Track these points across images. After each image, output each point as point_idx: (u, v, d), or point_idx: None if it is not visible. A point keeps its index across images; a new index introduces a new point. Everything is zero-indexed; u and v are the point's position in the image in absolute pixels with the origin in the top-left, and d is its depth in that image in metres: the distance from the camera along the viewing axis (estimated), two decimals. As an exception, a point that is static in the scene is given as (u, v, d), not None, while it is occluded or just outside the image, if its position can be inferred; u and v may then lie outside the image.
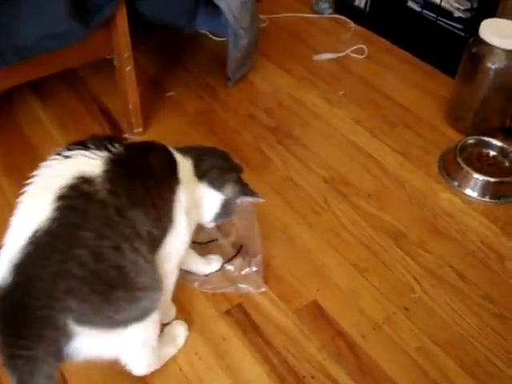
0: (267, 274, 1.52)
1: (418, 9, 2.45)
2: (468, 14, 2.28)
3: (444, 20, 2.35)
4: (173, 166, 1.23)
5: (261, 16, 2.30)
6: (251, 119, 2.05)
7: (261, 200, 1.39)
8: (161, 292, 1.14)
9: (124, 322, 1.08)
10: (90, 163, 1.08)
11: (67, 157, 1.09)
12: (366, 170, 1.86)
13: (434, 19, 2.38)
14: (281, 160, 1.88)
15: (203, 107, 2.09)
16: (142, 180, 1.14)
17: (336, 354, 1.35)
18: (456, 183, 1.81)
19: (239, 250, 1.56)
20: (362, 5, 2.59)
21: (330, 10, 2.64)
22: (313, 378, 1.30)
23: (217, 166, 1.35)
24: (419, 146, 1.97)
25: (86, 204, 1.03)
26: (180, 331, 1.37)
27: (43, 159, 1.11)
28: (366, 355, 1.35)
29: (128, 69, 1.74)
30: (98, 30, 1.62)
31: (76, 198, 1.03)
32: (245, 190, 1.37)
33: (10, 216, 1.04)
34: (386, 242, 1.63)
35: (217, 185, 1.33)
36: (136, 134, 1.93)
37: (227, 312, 1.44)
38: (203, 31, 2.39)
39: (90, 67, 2.16)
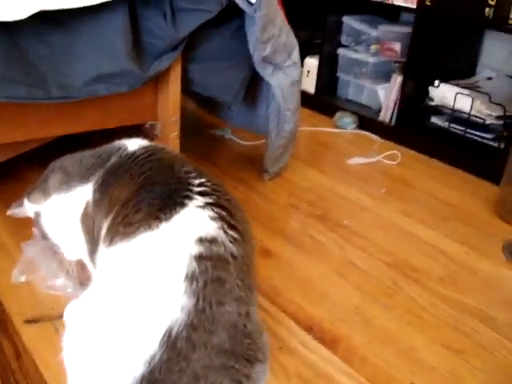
0: (349, 356, 1.27)
1: (443, 124, 2.44)
2: (500, 121, 2.26)
3: (473, 132, 2.33)
4: None
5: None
6: (294, 209, 1.90)
7: None
8: None
9: None
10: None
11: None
12: (429, 257, 1.70)
13: (462, 132, 2.36)
14: (336, 246, 1.70)
15: (240, 196, 1.92)
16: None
17: None
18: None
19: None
20: (387, 119, 2.57)
21: (354, 126, 2.62)
22: None
23: None
24: (478, 238, 1.83)
25: (224, 270, 0.86)
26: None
27: None
28: None
29: (173, 135, 1.61)
30: (146, 92, 1.51)
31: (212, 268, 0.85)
32: None
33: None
34: (476, 324, 1.42)
35: None
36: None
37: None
38: (229, 136, 2.39)
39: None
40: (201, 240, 0.87)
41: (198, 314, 0.80)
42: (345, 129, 2.62)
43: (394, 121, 2.56)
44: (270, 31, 1.63)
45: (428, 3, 2.30)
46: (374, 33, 2.72)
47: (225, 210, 0.96)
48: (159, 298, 0.81)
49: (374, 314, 1.43)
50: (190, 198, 0.95)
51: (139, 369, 0.76)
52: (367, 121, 2.64)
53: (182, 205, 0.93)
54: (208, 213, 0.93)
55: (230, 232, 0.92)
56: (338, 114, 2.65)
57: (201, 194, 0.97)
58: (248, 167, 2.15)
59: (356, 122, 2.63)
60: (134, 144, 1.14)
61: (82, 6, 1.31)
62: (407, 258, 1.67)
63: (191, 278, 0.82)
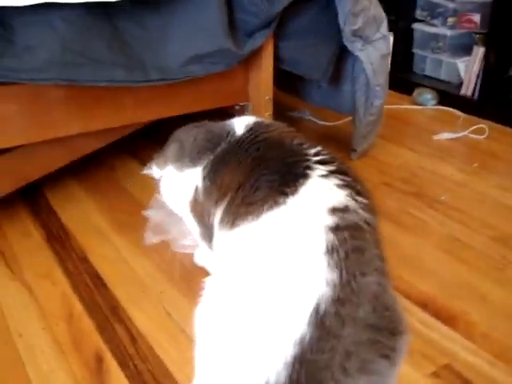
0: (470, 333, 1.22)
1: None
2: None
3: None
4: None
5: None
6: (388, 187, 1.85)
7: None
8: None
9: None
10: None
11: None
12: (538, 231, 1.61)
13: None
14: (437, 222, 1.65)
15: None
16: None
17: None
18: None
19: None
20: (470, 93, 2.48)
21: (434, 102, 2.54)
22: None
23: None
24: None
25: (361, 239, 0.82)
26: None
27: None
28: None
29: (266, 115, 1.58)
30: (237, 72, 1.49)
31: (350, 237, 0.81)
32: None
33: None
34: None
35: None
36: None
37: (434, 374, 1.12)
38: (307, 117, 2.37)
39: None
40: (333, 210, 0.83)
41: (344, 288, 0.76)
42: (425, 105, 2.55)
43: (477, 94, 2.47)
44: (361, 3, 1.58)
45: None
46: (450, 5, 2.63)
47: (349, 176, 0.93)
48: (302, 274, 0.77)
49: (488, 289, 1.37)
50: (311, 168, 0.91)
51: (289, 350, 0.73)
52: (448, 96, 2.56)
53: (305, 176, 0.89)
54: (334, 181, 0.89)
55: (359, 198, 0.88)
56: (418, 91, 2.58)
57: (320, 162, 0.93)
58: (332, 147, 2.08)
59: (436, 97, 2.55)
60: (240, 126, 1.12)
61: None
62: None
63: (331, 250, 0.78)
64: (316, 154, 0.96)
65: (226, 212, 0.97)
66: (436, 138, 2.21)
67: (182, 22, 1.39)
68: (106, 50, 1.31)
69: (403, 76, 2.78)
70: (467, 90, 2.49)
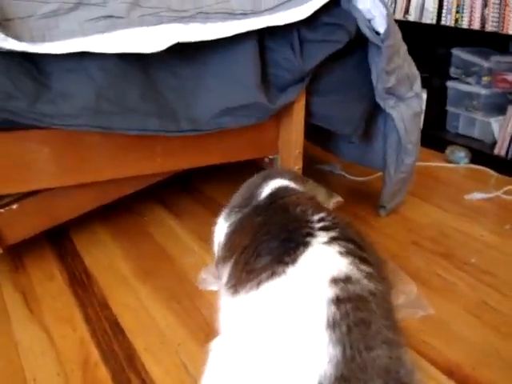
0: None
1: None
2: None
3: None
4: None
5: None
6: (416, 246, 1.81)
7: (341, 199, 1.29)
8: None
9: None
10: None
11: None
12: None
13: None
14: (466, 285, 1.60)
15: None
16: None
17: None
18: None
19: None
20: (503, 153, 2.45)
21: (467, 160, 2.51)
22: None
23: None
24: None
25: (366, 310, 0.79)
26: None
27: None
28: None
29: (296, 168, 1.57)
30: (268, 125, 1.50)
31: (353, 309, 0.78)
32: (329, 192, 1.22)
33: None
34: None
35: None
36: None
37: None
38: (338, 171, 2.37)
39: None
40: (335, 280, 0.80)
41: (348, 364, 0.72)
42: (458, 163, 2.51)
43: (510, 154, 2.43)
44: (395, 61, 1.58)
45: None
46: (485, 64, 2.62)
47: (353, 242, 0.90)
48: (302, 351, 0.74)
49: (518, 359, 1.31)
50: (313, 235, 0.89)
51: None
52: (481, 155, 2.52)
53: (306, 244, 0.88)
54: (335, 248, 0.87)
55: (363, 267, 0.85)
56: (450, 148, 2.55)
57: (323, 229, 0.91)
58: (362, 203, 2.08)
59: (469, 156, 2.52)
60: (268, 189, 1.12)
61: (216, 38, 1.31)
62: (545, 299, 1.55)
63: (333, 325, 0.75)
64: (320, 220, 0.95)
65: (230, 275, 0.96)
66: (467, 197, 2.17)
67: (215, 73, 1.41)
68: (139, 99, 1.33)
69: (436, 133, 2.77)
70: (501, 149, 2.46)
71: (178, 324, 1.40)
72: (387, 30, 1.49)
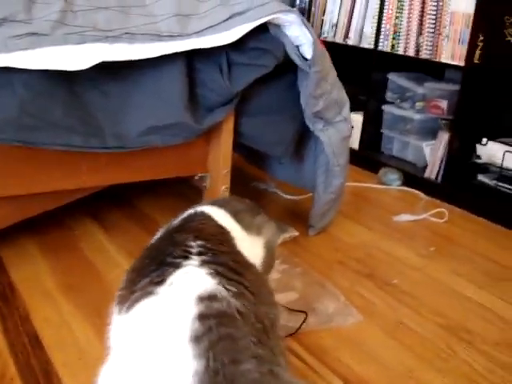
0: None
1: (491, 182, 2.40)
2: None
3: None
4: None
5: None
6: (341, 265, 1.85)
7: (296, 233, 1.32)
8: None
9: None
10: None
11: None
12: (483, 320, 1.63)
13: (510, 191, 2.31)
14: (386, 305, 1.65)
15: (284, 251, 1.90)
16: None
17: None
18: None
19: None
20: (433, 176, 2.54)
21: (399, 182, 2.59)
22: None
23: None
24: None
25: (233, 327, 0.83)
26: None
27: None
28: None
29: (223, 188, 1.60)
30: (197, 144, 1.52)
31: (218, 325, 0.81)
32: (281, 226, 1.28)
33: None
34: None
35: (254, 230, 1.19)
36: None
37: None
38: (272, 190, 2.40)
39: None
40: (200, 298, 0.84)
41: (211, 377, 0.75)
42: (390, 185, 2.59)
43: (440, 178, 2.52)
44: (322, 87, 1.63)
45: (477, 61, 2.29)
46: (419, 90, 2.72)
47: (224, 266, 0.94)
48: (167, 365, 0.77)
49: (429, 379, 1.36)
50: (186, 258, 0.94)
51: None
52: (413, 177, 2.61)
53: (177, 266, 0.92)
54: (205, 270, 0.91)
55: (231, 287, 0.89)
56: (383, 170, 2.63)
57: (198, 253, 0.96)
58: (292, 221, 2.12)
59: (401, 178, 2.60)
60: (184, 214, 1.17)
61: (141, 58, 1.33)
62: (460, 319, 1.61)
63: (196, 339, 0.78)
64: (198, 246, 0.99)
65: (119, 297, 0.99)
66: (396, 219, 2.24)
67: (143, 91, 1.43)
68: (63, 115, 1.33)
69: (371, 155, 2.85)
70: (431, 173, 2.55)
71: (98, 339, 1.39)
72: (314, 57, 1.53)
